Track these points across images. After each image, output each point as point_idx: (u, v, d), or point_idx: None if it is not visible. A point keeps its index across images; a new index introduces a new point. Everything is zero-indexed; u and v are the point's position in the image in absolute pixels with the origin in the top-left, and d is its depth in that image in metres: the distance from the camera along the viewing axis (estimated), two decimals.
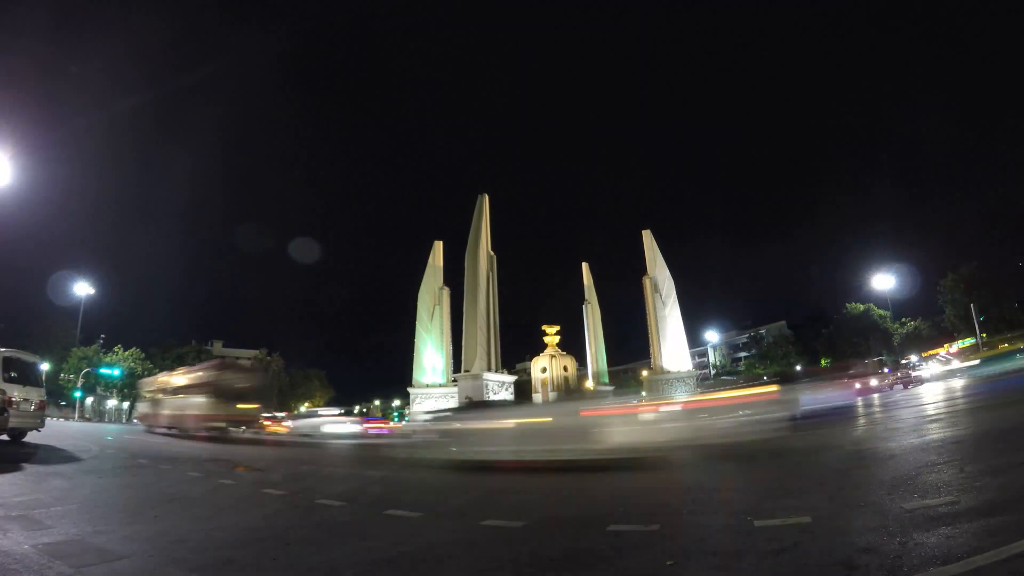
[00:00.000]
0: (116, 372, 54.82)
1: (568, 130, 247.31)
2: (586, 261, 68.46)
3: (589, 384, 64.48)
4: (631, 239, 63.83)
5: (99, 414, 64.83)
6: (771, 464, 8.10)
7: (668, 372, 58.69)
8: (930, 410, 14.51)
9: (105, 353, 57.65)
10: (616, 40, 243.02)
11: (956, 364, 43.47)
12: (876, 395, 27.38)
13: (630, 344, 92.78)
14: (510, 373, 63.31)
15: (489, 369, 53.32)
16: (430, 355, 56.44)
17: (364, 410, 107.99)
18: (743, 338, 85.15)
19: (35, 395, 14.38)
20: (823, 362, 71.33)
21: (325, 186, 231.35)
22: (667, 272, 60.56)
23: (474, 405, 21.29)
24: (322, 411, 35.76)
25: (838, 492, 5.30)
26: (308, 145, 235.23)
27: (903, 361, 44.92)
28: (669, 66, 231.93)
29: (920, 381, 34.37)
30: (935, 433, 9.26)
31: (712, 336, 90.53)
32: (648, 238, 61.91)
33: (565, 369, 59.47)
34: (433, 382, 55.69)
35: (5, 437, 13.57)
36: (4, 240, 46.80)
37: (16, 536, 4.83)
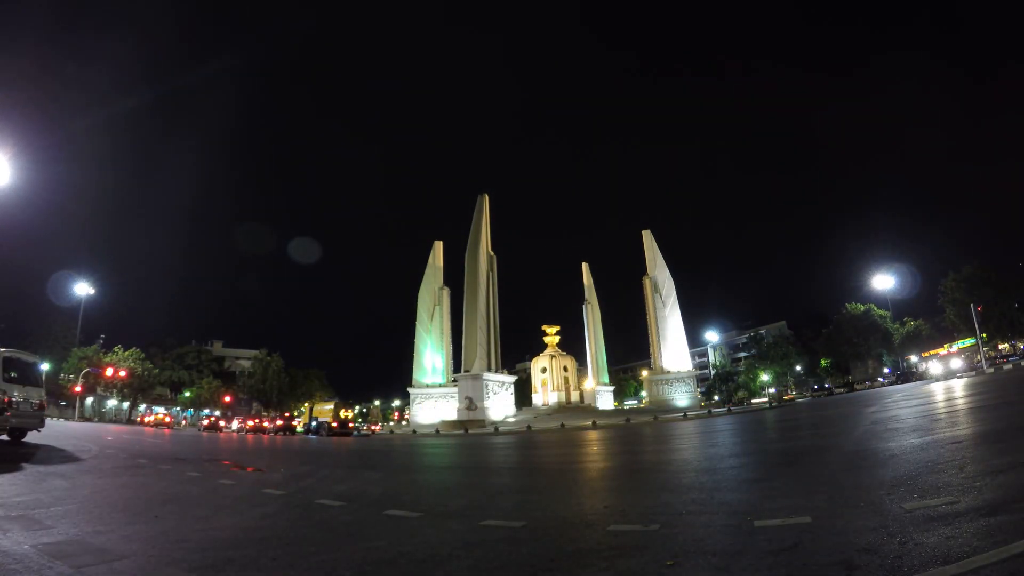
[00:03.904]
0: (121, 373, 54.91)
1: (569, 130, 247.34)
2: (586, 261, 68.63)
3: (589, 384, 64.49)
4: (631, 239, 63.91)
5: (99, 414, 64.77)
6: None
7: (668, 372, 58.69)
8: (929, 410, 14.51)
9: (105, 353, 57.61)
10: (617, 41, 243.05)
11: None
12: None
13: (630, 344, 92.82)
14: (510, 373, 63.29)
15: (489, 369, 53.30)
16: (430, 355, 56.43)
17: (364, 411, 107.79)
18: (743, 338, 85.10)
19: (35, 395, 14.37)
20: (823, 362, 71.31)
21: (325, 186, 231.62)
22: (667, 272, 60.60)
23: None
24: None
25: (838, 492, 5.29)
26: (308, 146, 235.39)
27: None
28: (671, 66, 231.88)
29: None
30: (934, 433, 9.26)
31: (712, 336, 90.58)
32: (648, 238, 61.95)
33: (565, 369, 59.46)
34: (433, 382, 55.69)
35: (5, 437, 13.57)
36: (4, 240, 46.83)
37: (16, 536, 4.82)
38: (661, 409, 47.78)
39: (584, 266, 68.45)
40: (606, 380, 67.60)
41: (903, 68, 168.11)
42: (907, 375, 55.17)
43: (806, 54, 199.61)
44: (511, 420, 48.06)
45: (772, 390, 66.61)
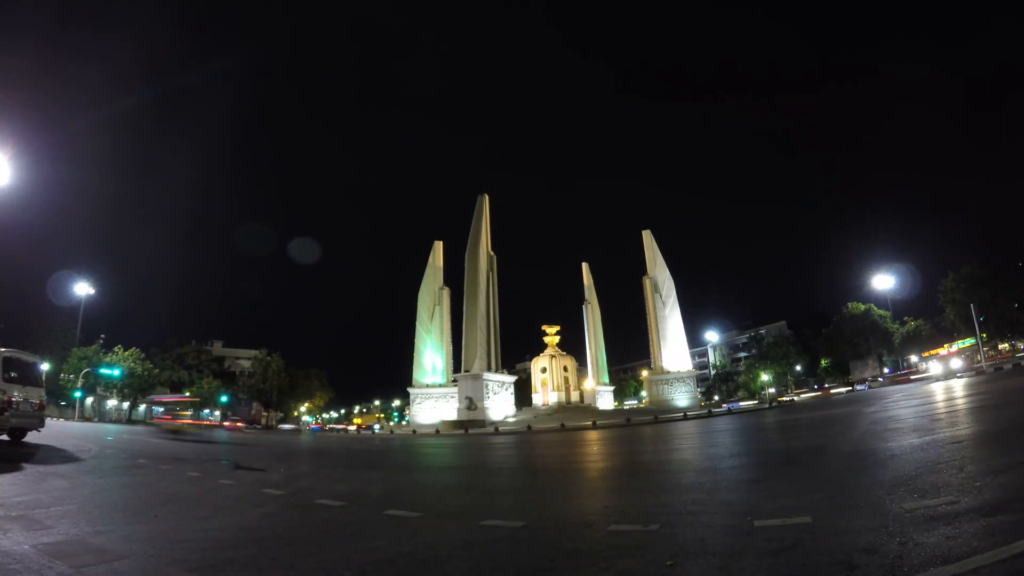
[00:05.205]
0: (116, 372, 54.65)
1: (569, 130, 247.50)
2: (586, 261, 68.54)
3: (589, 384, 64.46)
4: (631, 239, 63.88)
5: (99, 414, 64.67)
6: None
7: (668, 372, 58.64)
8: (929, 410, 14.50)
9: (105, 353, 57.50)
10: (618, 42, 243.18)
11: None
12: None
13: (630, 344, 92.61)
14: (510, 373, 63.23)
15: (489, 369, 53.26)
16: (430, 355, 56.40)
17: (364, 411, 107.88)
18: (743, 338, 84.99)
19: (35, 395, 14.36)
20: (823, 362, 71.24)
21: (325, 186, 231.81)
22: (667, 272, 60.56)
23: None
24: None
25: (838, 492, 5.29)
26: (308, 146, 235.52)
27: None
28: (672, 67, 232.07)
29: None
30: (934, 433, 9.26)
31: (712, 336, 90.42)
32: (648, 238, 61.93)
33: (565, 369, 59.43)
34: (433, 382, 55.66)
35: (5, 437, 13.56)
36: (4, 240, 46.80)
37: (16, 536, 4.82)
38: (661, 409, 47.76)
39: (584, 266, 68.41)
40: (606, 380, 67.56)
41: (904, 72, 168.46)
42: (905, 375, 55.10)
43: (805, 50, 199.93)
44: (511, 420, 48.05)
45: (772, 390, 66.57)
